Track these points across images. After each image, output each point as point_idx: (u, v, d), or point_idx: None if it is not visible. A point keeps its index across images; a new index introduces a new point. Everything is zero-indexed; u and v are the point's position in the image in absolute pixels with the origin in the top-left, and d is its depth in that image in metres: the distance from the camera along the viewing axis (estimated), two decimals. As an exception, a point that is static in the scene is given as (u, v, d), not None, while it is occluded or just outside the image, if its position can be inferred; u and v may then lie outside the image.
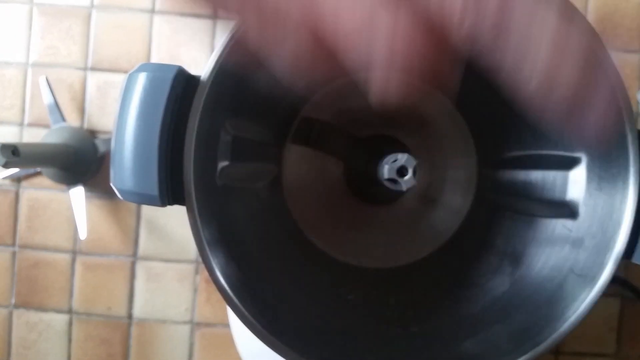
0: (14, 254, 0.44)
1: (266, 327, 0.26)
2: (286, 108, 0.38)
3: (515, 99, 0.13)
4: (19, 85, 0.44)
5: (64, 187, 0.43)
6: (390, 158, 0.31)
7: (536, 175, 0.33)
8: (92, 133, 0.44)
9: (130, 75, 0.25)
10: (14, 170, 0.43)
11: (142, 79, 0.25)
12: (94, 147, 0.42)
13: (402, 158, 0.30)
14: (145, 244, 0.44)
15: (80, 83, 0.44)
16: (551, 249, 0.30)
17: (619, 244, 0.26)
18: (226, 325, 0.44)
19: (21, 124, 0.44)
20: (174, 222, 0.44)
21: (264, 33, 0.15)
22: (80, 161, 0.42)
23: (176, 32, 0.44)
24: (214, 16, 0.44)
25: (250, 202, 0.34)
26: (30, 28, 0.44)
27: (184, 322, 0.44)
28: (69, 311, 0.44)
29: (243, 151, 0.30)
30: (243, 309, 0.26)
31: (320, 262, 0.39)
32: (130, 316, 0.44)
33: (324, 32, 0.14)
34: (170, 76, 0.25)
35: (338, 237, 0.40)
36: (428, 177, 0.40)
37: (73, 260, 0.44)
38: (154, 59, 0.44)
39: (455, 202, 0.40)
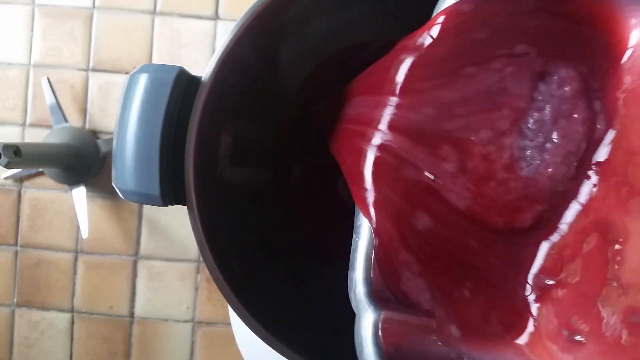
0: (16, 253, 0.44)
1: (267, 326, 0.26)
2: (286, 108, 0.38)
3: None
4: (21, 86, 0.44)
5: (66, 187, 0.44)
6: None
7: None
8: (94, 133, 0.44)
9: (131, 76, 0.25)
10: (16, 170, 0.43)
11: (143, 80, 0.25)
12: (96, 147, 0.42)
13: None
14: (146, 243, 0.44)
15: (82, 84, 0.44)
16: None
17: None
18: (227, 323, 0.44)
19: (23, 125, 0.44)
20: (176, 221, 0.44)
21: None
22: (82, 161, 0.42)
23: (177, 33, 0.44)
24: (215, 17, 0.44)
25: (251, 201, 0.34)
26: (32, 29, 0.44)
27: (186, 321, 0.44)
28: (71, 310, 0.44)
29: (244, 151, 0.30)
30: (244, 308, 0.26)
31: (321, 262, 0.40)
32: (132, 315, 0.44)
33: None
34: (171, 77, 0.25)
35: (339, 237, 0.40)
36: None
37: (75, 260, 0.44)
38: (155, 60, 0.44)
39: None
